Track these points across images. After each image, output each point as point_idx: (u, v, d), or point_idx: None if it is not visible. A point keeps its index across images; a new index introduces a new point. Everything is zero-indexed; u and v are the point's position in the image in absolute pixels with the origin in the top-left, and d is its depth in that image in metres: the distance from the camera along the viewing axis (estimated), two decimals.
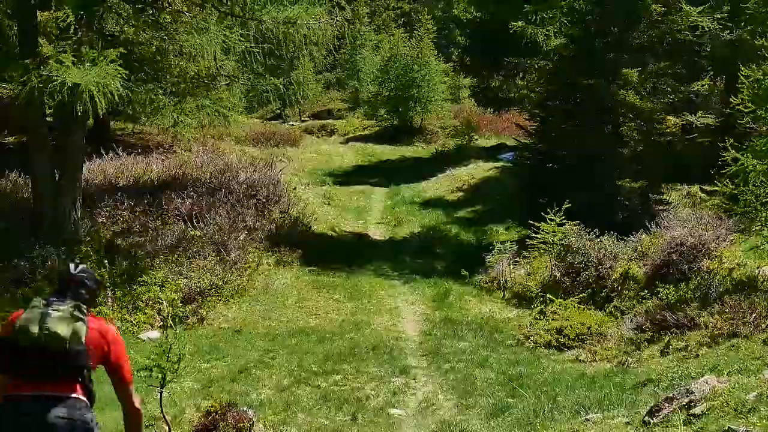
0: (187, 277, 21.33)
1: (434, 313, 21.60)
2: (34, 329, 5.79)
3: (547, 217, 22.88)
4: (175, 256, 22.14)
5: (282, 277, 23.73)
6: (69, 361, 5.92)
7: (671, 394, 8.95)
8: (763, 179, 17.39)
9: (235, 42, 23.31)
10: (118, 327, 19.19)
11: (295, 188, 31.44)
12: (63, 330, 5.85)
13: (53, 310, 5.98)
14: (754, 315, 16.26)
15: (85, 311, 6.16)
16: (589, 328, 18.71)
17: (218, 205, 25.24)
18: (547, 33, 27.57)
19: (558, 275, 22.27)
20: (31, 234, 21.69)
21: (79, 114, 18.78)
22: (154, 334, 19.12)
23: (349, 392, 15.44)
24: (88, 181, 24.86)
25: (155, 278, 20.98)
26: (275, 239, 25.39)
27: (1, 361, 5.86)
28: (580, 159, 27.44)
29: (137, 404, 6.61)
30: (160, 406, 11.75)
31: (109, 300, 20.34)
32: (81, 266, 6.68)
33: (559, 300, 20.27)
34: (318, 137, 49.57)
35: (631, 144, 28.60)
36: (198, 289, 21.16)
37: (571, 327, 18.79)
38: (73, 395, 6.10)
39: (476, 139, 45.88)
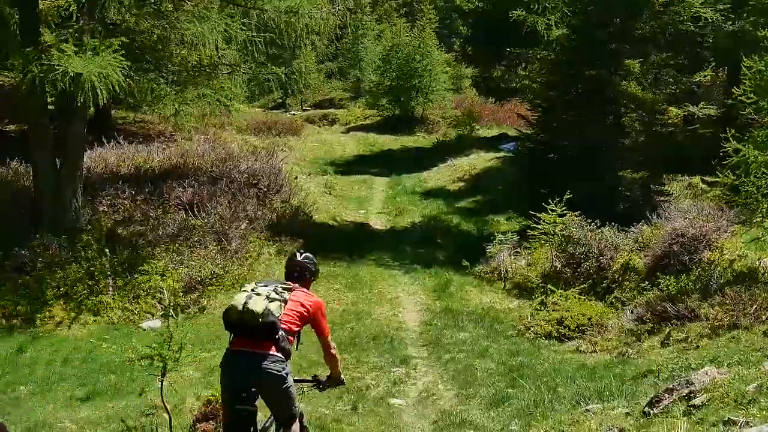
0: (188, 267, 21.35)
1: (435, 303, 21.61)
2: (238, 308, 8.09)
3: (548, 207, 22.86)
4: (176, 245, 22.15)
5: (283, 266, 23.68)
6: (263, 330, 8.05)
7: (671, 385, 8.95)
8: (765, 170, 17.38)
9: (236, 31, 23.24)
10: (118, 316, 19.41)
11: (296, 177, 31.43)
12: (258, 308, 8.02)
13: (255, 293, 8.21)
14: (754, 306, 16.28)
15: (280, 292, 8.38)
16: (589, 319, 18.73)
17: (219, 195, 25.22)
18: (548, 22, 27.48)
19: (559, 266, 22.28)
20: (32, 222, 21.71)
21: (81, 104, 18.78)
22: (155, 323, 19.14)
23: (350, 382, 15.42)
24: (89, 169, 24.85)
25: (156, 267, 21.01)
26: (276, 228, 25.37)
27: (226, 326, 8.30)
28: (581, 149, 27.39)
29: (333, 351, 9.21)
30: (161, 394, 11.74)
31: (110, 289, 20.38)
32: (305, 254, 9.25)
33: (560, 291, 20.29)
34: (319, 127, 49.52)
35: (633, 135, 28.56)
36: (199, 279, 21.18)
37: (571, 318, 18.82)
38: (270, 352, 8.12)
39: (477, 129, 45.89)
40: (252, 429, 8.32)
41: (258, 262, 23.35)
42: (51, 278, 20.21)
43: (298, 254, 9.20)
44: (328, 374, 9.51)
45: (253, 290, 8.31)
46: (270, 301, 8.19)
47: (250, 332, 8.11)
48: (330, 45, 57.78)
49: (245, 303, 8.11)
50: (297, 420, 8.55)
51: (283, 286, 8.59)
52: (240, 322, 8.12)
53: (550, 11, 27.67)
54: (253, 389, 8.16)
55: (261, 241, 24.28)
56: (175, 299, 19.55)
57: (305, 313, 8.70)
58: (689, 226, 20.66)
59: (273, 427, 8.68)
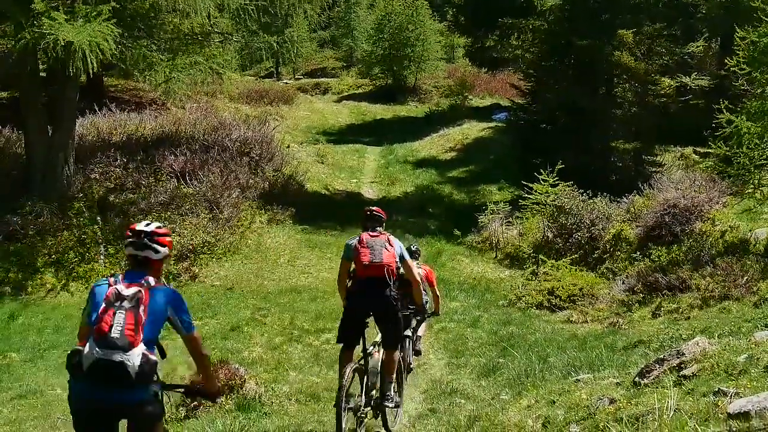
0: (179, 235, 21.31)
1: None
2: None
3: (540, 177, 22.83)
4: (168, 213, 22.11)
5: (275, 235, 23.72)
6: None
7: (662, 356, 8.95)
8: (757, 141, 17.39)
9: None
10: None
11: (288, 146, 31.35)
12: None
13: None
14: (745, 278, 16.34)
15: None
16: (580, 290, 18.78)
17: (211, 163, 25.16)
18: None
19: (550, 236, 22.31)
20: (24, 189, 21.64)
21: (72, 72, 18.68)
22: None
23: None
24: (81, 137, 24.75)
25: None
26: (268, 197, 25.35)
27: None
28: (573, 120, 27.40)
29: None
30: None
31: (102, 257, 20.35)
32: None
33: (551, 261, 20.34)
34: (312, 96, 49.32)
35: (625, 105, 28.59)
36: (190, 247, 21.19)
37: (562, 288, 18.87)
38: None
39: (470, 99, 45.77)
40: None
41: (250, 231, 23.34)
42: (42, 245, 20.21)
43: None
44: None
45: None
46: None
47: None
48: (322, 13, 57.24)
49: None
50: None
51: None
52: None
53: None
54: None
55: (253, 209, 24.26)
56: (167, 267, 19.53)
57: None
58: (681, 197, 20.70)
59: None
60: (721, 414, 6.20)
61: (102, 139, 25.95)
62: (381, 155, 36.04)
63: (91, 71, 18.78)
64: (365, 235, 10.20)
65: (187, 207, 22.56)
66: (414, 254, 12.97)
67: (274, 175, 27.03)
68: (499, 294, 19.96)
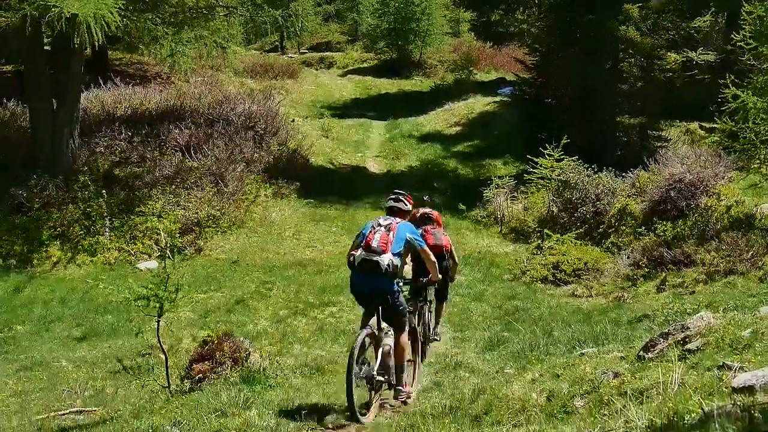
0: (184, 208, 21.35)
1: None
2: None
3: (546, 152, 22.80)
4: (173, 187, 22.11)
5: (279, 209, 23.73)
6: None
7: (667, 330, 8.94)
8: (763, 116, 17.34)
9: None
10: (115, 257, 19.46)
11: (293, 120, 31.31)
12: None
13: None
14: (751, 252, 16.33)
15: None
16: (585, 264, 18.78)
17: (216, 137, 25.12)
18: None
19: (555, 210, 22.29)
20: (29, 163, 21.65)
21: (77, 45, 18.64)
22: (152, 264, 19.19)
23: (345, 324, 15.52)
24: (85, 111, 24.74)
25: (153, 209, 21.00)
26: (273, 171, 25.32)
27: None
28: (579, 95, 27.33)
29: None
30: (158, 335, 11.78)
31: (107, 230, 20.40)
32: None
33: (556, 235, 20.33)
34: (317, 70, 49.14)
35: (631, 80, 28.52)
36: (195, 220, 21.21)
37: (567, 262, 18.87)
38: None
39: (475, 74, 45.57)
40: None
41: (254, 204, 23.35)
42: (47, 219, 20.26)
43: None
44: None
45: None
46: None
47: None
48: None
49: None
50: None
51: None
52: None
53: None
54: None
55: (258, 183, 24.25)
56: (172, 240, 19.55)
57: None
58: (686, 172, 20.65)
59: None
60: (726, 388, 6.20)
61: (107, 113, 25.94)
62: (386, 129, 35.96)
63: (96, 44, 18.76)
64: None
65: (192, 181, 22.55)
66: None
67: (278, 149, 26.98)
68: (504, 268, 19.96)
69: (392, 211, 10.55)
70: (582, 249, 19.57)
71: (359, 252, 9.76)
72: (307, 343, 14.69)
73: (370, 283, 9.84)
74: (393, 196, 10.84)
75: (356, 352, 9.42)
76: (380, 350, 10.02)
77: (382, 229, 9.91)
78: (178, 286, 11.51)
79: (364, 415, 9.58)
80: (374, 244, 9.76)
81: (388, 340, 10.11)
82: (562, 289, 18.23)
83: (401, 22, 47.43)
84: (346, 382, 9.39)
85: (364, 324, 10.07)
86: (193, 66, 30.95)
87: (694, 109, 30.01)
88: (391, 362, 10.04)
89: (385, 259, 9.64)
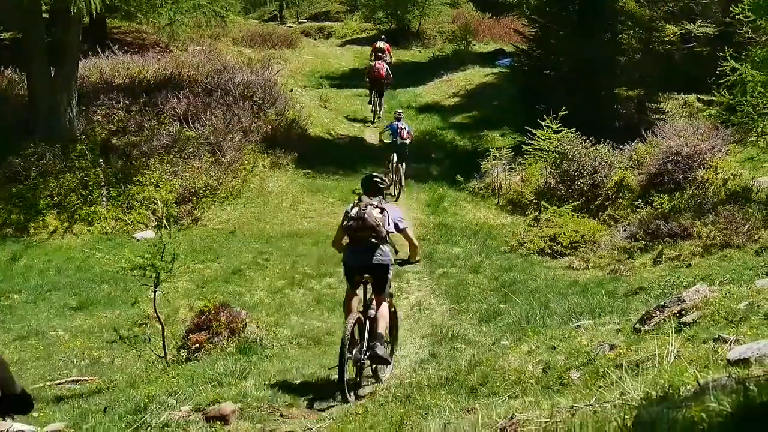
0: (182, 178, 21.34)
1: (428, 218, 21.64)
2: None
3: (543, 124, 22.75)
4: (170, 156, 22.10)
5: (277, 179, 23.70)
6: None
7: (663, 303, 8.97)
8: (762, 90, 17.28)
9: None
10: (112, 226, 19.44)
11: (291, 90, 31.21)
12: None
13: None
14: (747, 226, 16.34)
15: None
16: (582, 236, 18.79)
17: (214, 106, 25.04)
18: None
19: (553, 182, 22.27)
20: (26, 131, 21.61)
21: (75, 12, 18.57)
22: (149, 233, 19.19)
23: (342, 295, 15.52)
24: (83, 79, 24.66)
25: (150, 178, 21.00)
26: (271, 141, 25.27)
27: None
28: (577, 66, 27.25)
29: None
30: (154, 305, 11.81)
31: (104, 199, 20.38)
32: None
33: (553, 207, 20.33)
34: (315, 40, 48.92)
35: (629, 52, 28.42)
36: (193, 190, 21.20)
37: (564, 234, 18.88)
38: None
39: (474, 45, 45.37)
40: None
41: (252, 175, 23.33)
42: (44, 187, 20.23)
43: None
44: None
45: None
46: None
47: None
48: None
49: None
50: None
51: None
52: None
53: None
54: None
55: (255, 153, 24.21)
56: (169, 210, 19.56)
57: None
58: (684, 145, 20.65)
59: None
60: (721, 360, 6.22)
61: (105, 82, 25.85)
62: (384, 100, 35.91)
63: (94, 12, 18.68)
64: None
65: (190, 150, 22.52)
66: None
67: (276, 119, 26.88)
68: (501, 240, 19.96)
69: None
70: (579, 221, 19.57)
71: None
72: (303, 314, 14.73)
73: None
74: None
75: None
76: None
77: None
78: (175, 255, 11.53)
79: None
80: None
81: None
82: (559, 261, 18.23)
83: None
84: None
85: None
86: (191, 35, 30.89)
87: (692, 81, 29.88)
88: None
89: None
